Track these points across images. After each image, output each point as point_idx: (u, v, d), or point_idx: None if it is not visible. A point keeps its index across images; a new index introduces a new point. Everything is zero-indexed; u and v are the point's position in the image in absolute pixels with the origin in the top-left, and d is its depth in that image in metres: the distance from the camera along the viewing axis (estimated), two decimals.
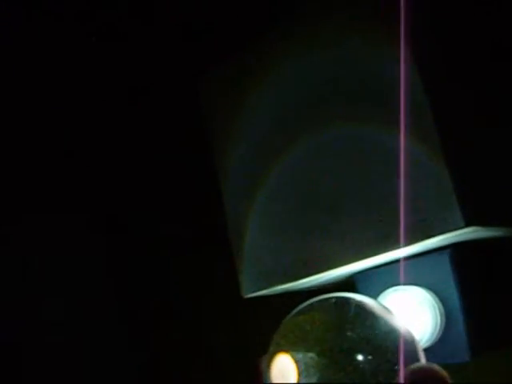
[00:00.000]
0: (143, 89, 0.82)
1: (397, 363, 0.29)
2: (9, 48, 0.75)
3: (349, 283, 0.52)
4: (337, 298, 0.32)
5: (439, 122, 0.39)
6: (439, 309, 0.47)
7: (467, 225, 0.38)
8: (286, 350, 0.30)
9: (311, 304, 0.33)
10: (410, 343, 0.31)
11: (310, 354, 0.29)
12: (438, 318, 0.47)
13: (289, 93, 0.48)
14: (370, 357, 0.29)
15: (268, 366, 0.31)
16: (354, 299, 0.32)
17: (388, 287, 0.48)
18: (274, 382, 0.30)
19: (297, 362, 0.30)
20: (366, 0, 0.44)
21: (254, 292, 0.49)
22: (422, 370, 0.28)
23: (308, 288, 0.53)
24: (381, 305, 0.33)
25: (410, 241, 0.41)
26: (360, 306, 0.32)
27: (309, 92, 0.47)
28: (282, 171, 0.48)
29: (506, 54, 0.51)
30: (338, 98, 0.45)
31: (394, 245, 0.41)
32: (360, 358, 0.29)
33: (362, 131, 0.43)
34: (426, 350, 0.46)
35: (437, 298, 0.47)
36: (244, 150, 0.52)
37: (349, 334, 0.30)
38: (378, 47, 0.42)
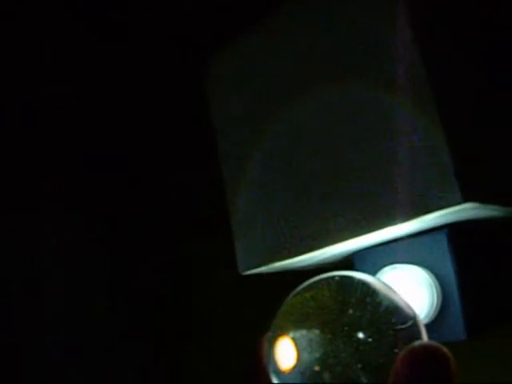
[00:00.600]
0: (145, 79, 0.82)
1: (398, 342, 0.29)
2: (8, 48, 0.75)
3: (346, 262, 0.52)
4: (340, 276, 0.32)
5: (439, 97, 0.39)
6: (436, 287, 0.47)
7: (465, 200, 0.38)
8: (287, 332, 0.30)
9: (314, 282, 0.33)
10: (412, 321, 0.31)
11: (313, 331, 0.29)
12: (435, 296, 0.47)
13: (287, 73, 0.48)
14: (372, 335, 0.29)
15: (271, 347, 0.31)
16: (357, 277, 0.32)
17: (385, 266, 0.48)
18: (277, 363, 0.30)
19: (299, 338, 0.29)
20: None
21: (250, 269, 0.49)
22: (423, 347, 0.28)
23: (306, 267, 0.53)
24: (384, 283, 0.33)
25: (408, 216, 0.41)
26: (364, 284, 0.32)
27: (309, 71, 0.47)
28: (280, 151, 0.48)
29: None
30: (338, 76, 0.45)
31: (392, 220, 0.41)
32: (362, 336, 0.29)
33: (358, 109, 0.43)
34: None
35: (434, 277, 0.47)
36: (245, 132, 0.52)
37: (351, 311, 0.30)
38: (378, 19, 0.42)
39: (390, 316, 0.30)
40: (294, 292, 0.33)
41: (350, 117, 0.43)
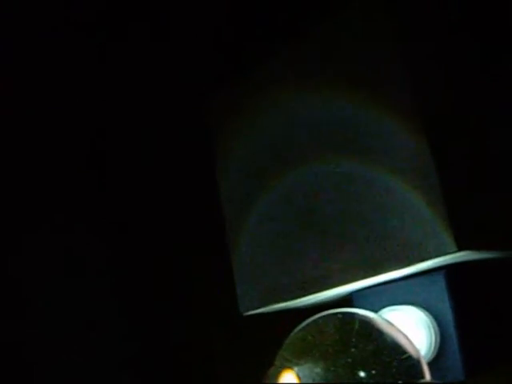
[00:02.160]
0: (150, 106, 0.83)
1: (401, 379, 0.30)
2: (8, 50, 0.75)
3: (346, 301, 0.53)
4: (343, 313, 0.33)
5: (434, 148, 0.40)
6: (434, 328, 0.48)
7: (460, 249, 0.39)
8: (292, 365, 0.31)
9: (317, 319, 0.33)
10: (415, 359, 0.32)
11: (316, 369, 0.30)
12: (433, 337, 0.47)
13: (290, 119, 0.50)
14: (374, 372, 0.30)
15: (273, 381, 0.31)
16: (359, 314, 0.33)
17: (384, 306, 0.49)
18: None
19: (302, 376, 0.30)
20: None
21: (251, 310, 0.50)
22: None
23: (305, 306, 0.54)
24: (386, 320, 0.33)
25: (405, 264, 0.42)
26: (365, 322, 0.32)
27: (310, 119, 0.49)
28: (282, 193, 0.49)
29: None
30: (339, 132, 0.47)
31: (390, 267, 0.42)
32: (364, 374, 0.29)
33: (360, 159, 0.44)
34: None
35: (432, 318, 0.48)
36: (245, 170, 0.53)
37: (353, 349, 0.30)
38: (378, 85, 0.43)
39: (392, 352, 0.31)
40: (299, 327, 0.33)
41: (352, 175, 0.45)
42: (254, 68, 0.54)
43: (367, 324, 0.32)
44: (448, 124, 0.43)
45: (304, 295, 0.47)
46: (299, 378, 0.31)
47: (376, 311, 0.49)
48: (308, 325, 0.34)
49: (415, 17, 0.46)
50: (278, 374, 0.31)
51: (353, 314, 0.33)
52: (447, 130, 0.43)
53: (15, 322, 0.74)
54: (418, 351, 0.32)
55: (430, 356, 0.47)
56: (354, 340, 0.31)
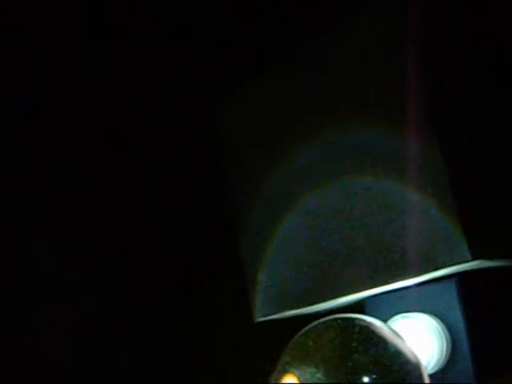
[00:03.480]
0: (158, 113, 0.83)
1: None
2: (9, 49, 0.75)
3: (358, 308, 0.53)
4: (343, 318, 0.33)
5: (447, 159, 0.41)
6: (445, 336, 0.48)
7: (474, 258, 0.40)
8: (293, 370, 0.31)
9: (318, 324, 0.34)
10: (416, 367, 0.32)
11: (317, 374, 0.30)
12: (444, 345, 0.48)
13: (300, 124, 0.50)
14: (374, 378, 0.30)
15: None
16: (359, 320, 0.33)
17: (396, 313, 0.49)
18: None
19: (303, 381, 0.30)
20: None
21: (264, 317, 0.50)
22: None
23: (318, 312, 0.54)
24: (388, 327, 0.34)
25: (418, 272, 0.42)
26: (366, 327, 0.32)
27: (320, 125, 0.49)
28: (296, 201, 0.50)
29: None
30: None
31: (402, 275, 0.43)
32: (365, 379, 0.30)
33: (370, 168, 0.44)
34: (432, 377, 0.47)
35: (443, 326, 0.48)
36: (258, 175, 0.53)
37: (355, 355, 0.31)
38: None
39: (393, 359, 0.31)
40: (300, 333, 0.34)
41: (363, 185, 0.45)
42: (264, 70, 0.55)
43: (367, 329, 0.33)
44: (461, 131, 0.44)
45: (316, 302, 0.47)
46: (302, 381, 0.31)
47: (387, 318, 0.49)
48: (309, 330, 0.34)
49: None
50: (279, 378, 0.32)
51: (353, 320, 0.33)
52: (460, 137, 0.44)
53: (14, 322, 0.74)
54: (416, 357, 0.32)
55: (441, 363, 0.48)
56: (354, 345, 0.31)
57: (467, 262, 0.40)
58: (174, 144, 0.83)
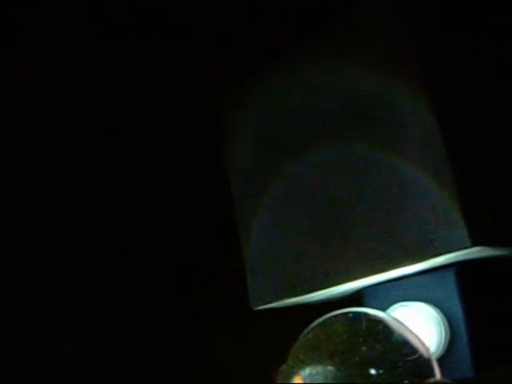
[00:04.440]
0: (157, 108, 0.83)
1: (410, 378, 0.30)
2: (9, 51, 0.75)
3: (356, 297, 0.53)
4: (353, 312, 0.33)
5: (447, 140, 0.41)
6: (444, 325, 0.48)
7: (473, 245, 0.40)
8: (304, 365, 0.31)
9: (328, 318, 0.34)
10: (425, 357, 0.32)
11: (326, 367, 0.30)
12: (443, 333, 0.48)
13: (303, 115, 0.50)
14: (382, 371, 0.30)
15: (286, 379, 0.31)
16: (369, 314, 0.33)
17: (395, 302, 0.49)
18: None
19: (313, 374, 0.30)
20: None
21: (261, 305, 0.50)
22: None
23: (316, 301, 0.54)
24: (395, 319, 0.34)
25: (418, 259, 0.42)
26: (375, 321, 0.32)
27: (318, 116, 0.49)
28: (296, 186, 0.50)
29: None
30: (352, 124, 0.47)
31: (402, 262, 0.43)
32: (373, 372, 0.30)
33: (373, 155, 0.44)
34: None
35: (442, 314, 0.48)
36: (257, 164, 0.53)
37: (363, 348, 0.31)
38: (386, 77, 0.43)
39: (400, 349, 0.31)
40: (309, 328, 0.34)
41: (364, 170, 0.45)
42: (261, 61, 0.55)
43: (376, 323, 0.33)
44: (461, 110, 0.44)
45: (315, 290, 0.47)
46: (309, 378, 0.31)
47: (386, 307, 0.49)
48: (318, 325, 0.34)
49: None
50: (290, 373, 0.32)
51: (361, 314, 0.33)
52: (461, 119, 0.44)
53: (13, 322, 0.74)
54: (428, 349, 0.32)
55: (439, 352, 0.48)
56: (362, 339, 0.31)
57: (467, 248, 0.40)
58: (173, 143, 0.83)
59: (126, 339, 0.83)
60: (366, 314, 0.33)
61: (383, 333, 0.32)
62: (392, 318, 0.34)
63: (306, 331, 0.34)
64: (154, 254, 0.85)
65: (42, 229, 0.80)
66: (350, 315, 0.33)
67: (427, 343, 0.48)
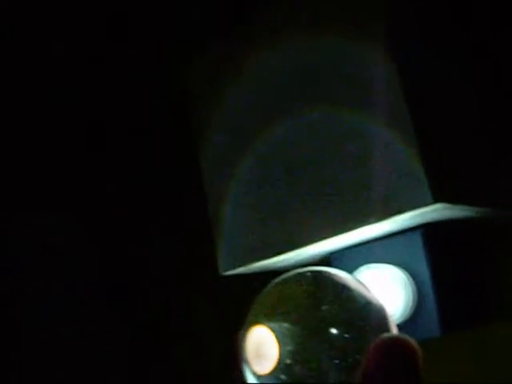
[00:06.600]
0: (127, 80, 0.82)
1: (370, 338, 0.30)
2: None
3: (324, 262, 0.53)
4: (312, 271, 0.33)
5: (411, 101, 0.41)
6: (411, 286, 0.48)
7: (436, 201, 0.40)
8: (262, 321, 0.31)
9: (290, 276, 0.33)
10: (383, 317, 0.32)
11: (286, 324, 0.30)
12: (411, 295, 0.48)
13: (270, 79, 0.49)
14: (344, 331, 0.30)
15: (244, 338, 0.31)
16: (328, 272, 0.33)
17: (362, 265, 0.49)
18: (249, 354, 0.31)
19: (273, 331, 0.30)
20: None
21: (230, 270, 0.50)
22: (393, 339, 0.28)
23: (284, 267, 0.54)
24: (356, 279, 0.33)
25: (382, 217, 0.42)
26: (334, 279, 0.32)
27: (288, 79, 0.49)
28: (261, 154, 0.49)
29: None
30: (316, 84, 0.46)
31: (366, 221, 0.43)
32: (334, 331, 0.30)
33: (336, 116, 0.44)
34: (399, 326, 0.47)
35: (409, 276, 0.48)
36: (225, 134, 0.53)
37: (324, 306, 0.30)
38: (355, 36, 0.43)
39: (364, 312, 0.31)
40: (270, 284, 0.34)
41: (328, 130, 0.45)
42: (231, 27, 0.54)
43: (336, 282, 0.33)
44: (426, 70, 0.44)
45: (282, 252, 0.47)
46: (271, 330, 0.31)
47: (354, 270, 0.49)
48: (278, 282, 0.34)
49: None
50: (249, 328, 0.31)
51: (322, 272, 0.33)
52: (425, 79, 0.44)
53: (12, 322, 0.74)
54: (386, 310, 0.32)
55: (407, 313, 0.48)
56: (325, 298, 0.31)
57: (430, 205, 0.40)
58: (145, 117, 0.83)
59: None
60: (328, 274, 0.33)
61: (346, 294, 0.32)
62: (353, 278, 0.33)
63: (265, 289, 0.33)
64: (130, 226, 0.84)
65: (36, 228, 0.80)
66: (312, 274, 0.33)
67: (395, 304, 0.48)
